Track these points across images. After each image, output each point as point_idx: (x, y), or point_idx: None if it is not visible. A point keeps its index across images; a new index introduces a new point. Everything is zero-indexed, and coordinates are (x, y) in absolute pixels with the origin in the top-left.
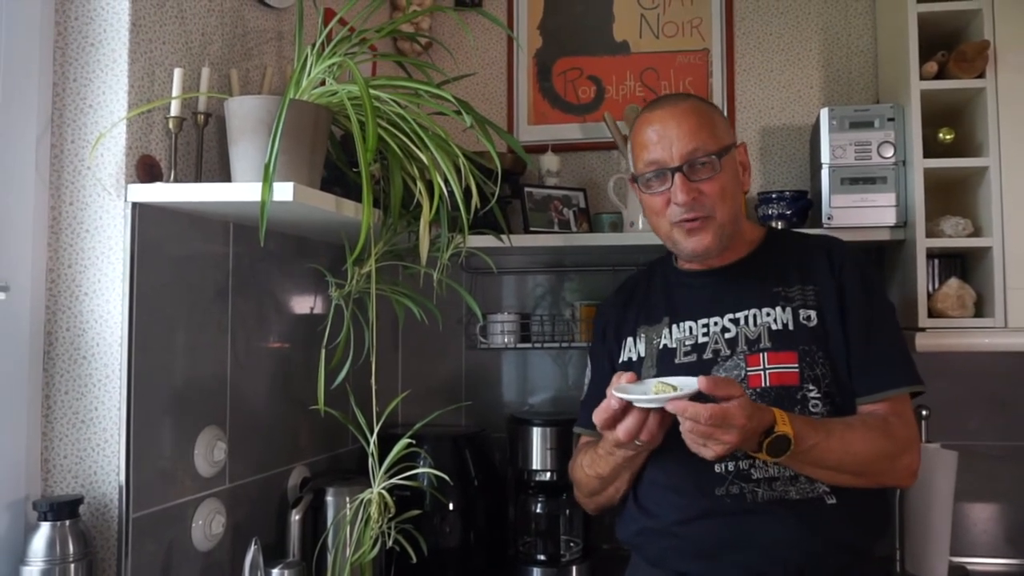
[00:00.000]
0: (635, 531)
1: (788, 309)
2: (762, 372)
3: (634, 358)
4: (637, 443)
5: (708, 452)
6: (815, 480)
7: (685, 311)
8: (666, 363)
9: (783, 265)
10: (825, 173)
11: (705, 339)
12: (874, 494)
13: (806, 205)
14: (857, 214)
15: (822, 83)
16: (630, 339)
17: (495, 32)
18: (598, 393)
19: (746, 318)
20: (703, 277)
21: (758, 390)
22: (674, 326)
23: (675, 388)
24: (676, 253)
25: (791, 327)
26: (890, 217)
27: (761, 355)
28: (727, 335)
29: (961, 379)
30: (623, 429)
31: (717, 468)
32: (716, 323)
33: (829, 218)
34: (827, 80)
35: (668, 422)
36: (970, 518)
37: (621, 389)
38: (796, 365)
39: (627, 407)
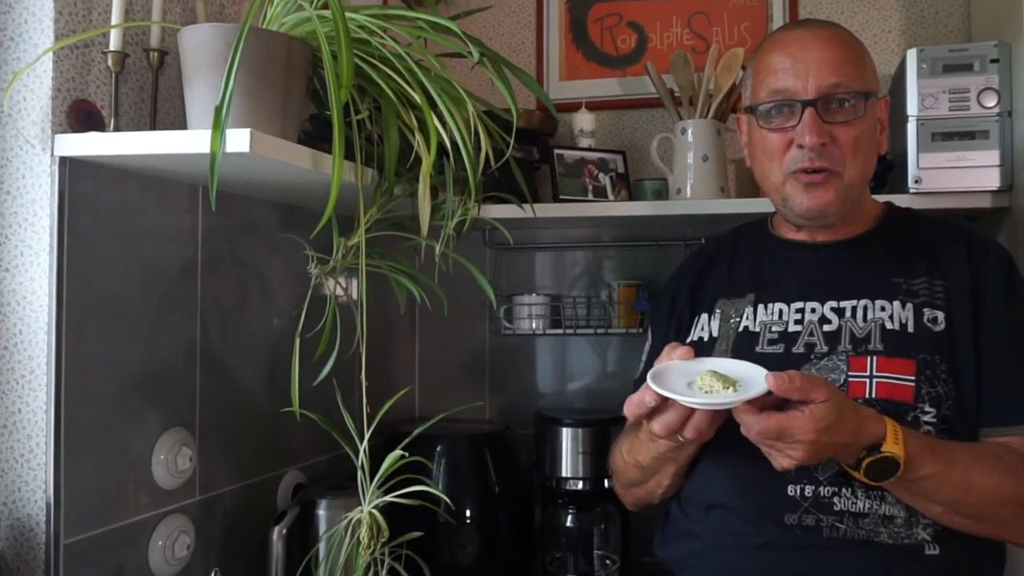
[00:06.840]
0: (681, 553)
1: (909, 306)
2: (868, 380)
3: (705, 338)
4: (680, 439)
5: (776, 464)
6: (914, 525)
7: (776, 289)
8: (744, 350)
9: (909, 251)
10: (912, 127)
11: (798, 327)
12: (987, 543)
13: (886, 168)
14: (951, 176)
15: (902, 26)
16: (704, 315)
17: None
18: None
19: (854, 309)
20: (806, 251)
21: (859, 402)
22: (760, 306)
23: (725, 379)
24: (783, 212)
25: (911, 329)
26: (993, 180)
27: (869, 359)
28: (826, 327)
29: None
30: (660, 424)
31: (791, 491)
32: (814, 310)
33: (917, 181)
34: (908, 22)
35: (721, 418)
36: None
37: (657, 375)
38: (912, 378)
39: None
